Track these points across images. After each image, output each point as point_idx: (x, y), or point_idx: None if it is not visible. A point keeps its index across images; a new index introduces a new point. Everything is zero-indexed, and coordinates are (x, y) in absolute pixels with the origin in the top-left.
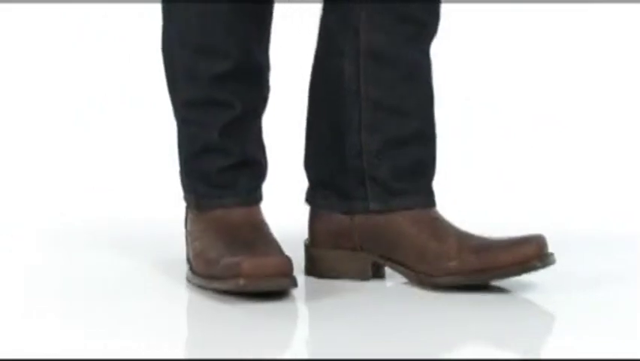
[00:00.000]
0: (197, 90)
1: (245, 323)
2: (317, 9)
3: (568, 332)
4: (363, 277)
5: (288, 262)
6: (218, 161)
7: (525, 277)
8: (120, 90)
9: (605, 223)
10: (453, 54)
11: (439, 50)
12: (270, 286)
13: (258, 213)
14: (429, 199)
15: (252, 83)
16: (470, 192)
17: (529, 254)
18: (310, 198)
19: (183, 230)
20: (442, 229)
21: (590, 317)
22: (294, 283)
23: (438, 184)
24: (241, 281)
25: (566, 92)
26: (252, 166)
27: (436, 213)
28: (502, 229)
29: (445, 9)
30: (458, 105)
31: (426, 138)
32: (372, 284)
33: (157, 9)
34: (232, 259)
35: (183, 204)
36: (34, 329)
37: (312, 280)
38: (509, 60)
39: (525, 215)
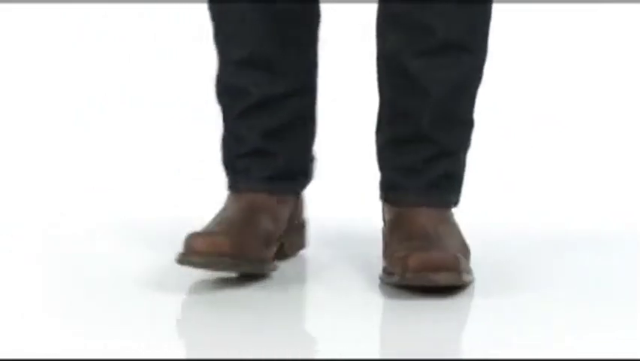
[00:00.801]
0: (243, 51)
1: (245, 322)
2: (322, 9)
3: (567, 332)
4: None
5: (233, 242)
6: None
7: (524, 277)
8: (120, 90)
9: (605, 223)
10: None
11: None
12: (202, 264)
13: (268, 200)
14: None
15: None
16: (469, 192)
17: (403, 264)
18: None
19: (185, 229)
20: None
21: (590, 316)
22: (237, 265)
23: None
24: (191, 257)
25: (567, 91)
26: (264, 156)
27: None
28: (502, 229)
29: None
30: None
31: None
32: (373, 283)
33: (157, 9)
34: (190, 235)
35: (184, 204)
36: (34, 329)
37: (311, 279)
38: (509, 60)
39: (525, 215)
